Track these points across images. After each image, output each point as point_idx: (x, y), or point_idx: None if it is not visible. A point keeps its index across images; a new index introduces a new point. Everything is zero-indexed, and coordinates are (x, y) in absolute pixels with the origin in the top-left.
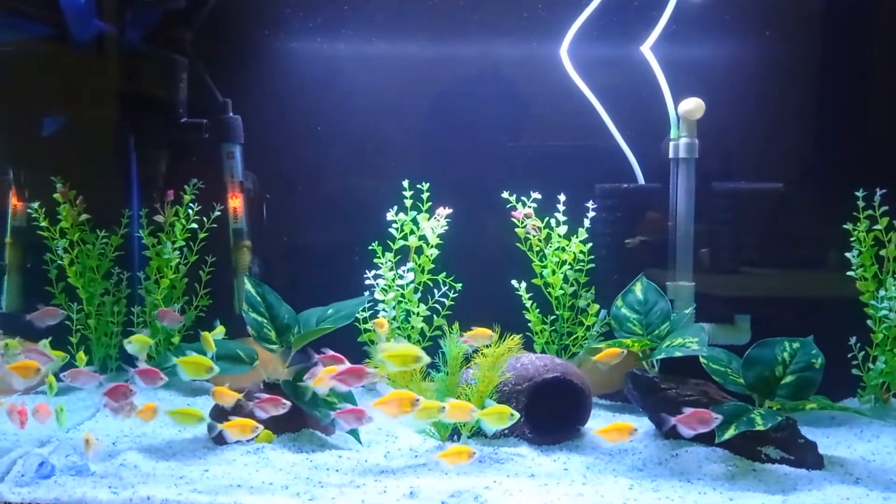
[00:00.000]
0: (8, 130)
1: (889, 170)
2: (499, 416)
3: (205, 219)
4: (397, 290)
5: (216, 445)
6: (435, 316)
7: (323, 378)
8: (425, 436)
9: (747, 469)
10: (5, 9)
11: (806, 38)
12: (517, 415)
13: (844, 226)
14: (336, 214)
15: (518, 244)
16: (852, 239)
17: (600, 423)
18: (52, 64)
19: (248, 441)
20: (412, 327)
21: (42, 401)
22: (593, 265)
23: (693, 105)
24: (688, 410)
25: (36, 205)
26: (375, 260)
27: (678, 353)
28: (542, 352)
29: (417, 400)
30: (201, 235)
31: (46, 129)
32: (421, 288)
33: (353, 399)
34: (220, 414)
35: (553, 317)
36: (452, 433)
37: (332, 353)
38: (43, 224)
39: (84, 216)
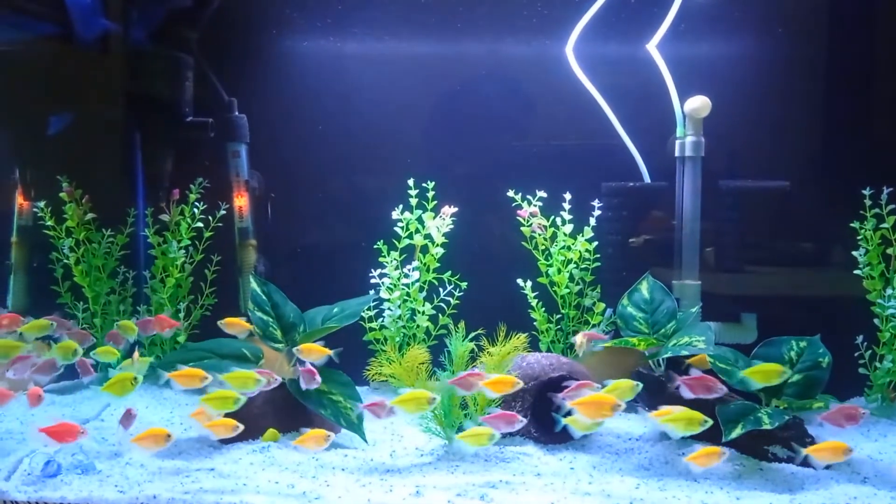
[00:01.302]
0: (14, 130)
1: None
2: (688, 423)
3: (210, 218)
4: (402, 289)
5: (222, 444)
6: (440, 315)
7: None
8: (431, 435)
9: (754, 468)
10: (11, 8)
11: (812, 36)
12: (710, 421)
13: (851, 224)
14: (341, 213)
15: (524, 243)
16: (859, 237)
17: (606, 421)
18: (58, 63)
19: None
20: (417, 326)
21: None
22: (599, 264)
23: (699, 103)
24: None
25: (42, 204)
26: (381, 259)
27: (684, 352)
28: (548, 350)
29: None
30: (207, 234)
31: (52, 128)
32: (426, 287)
33: (357, 397)
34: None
35: (559, 315)
36: (458, 432)
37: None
38: (49, 223)
39: (90, 215)
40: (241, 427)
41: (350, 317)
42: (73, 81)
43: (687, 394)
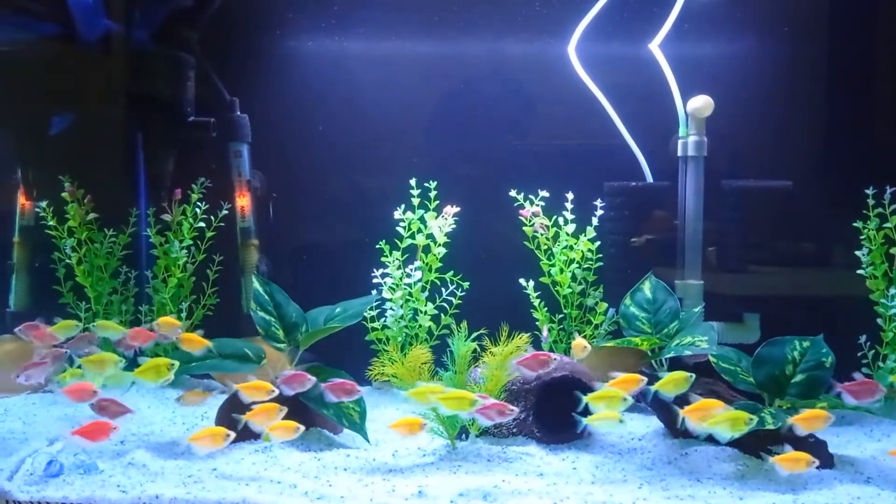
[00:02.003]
0: (16, 130)
1: None
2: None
3: (212, 217)
4: (405, 289)
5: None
6: (443, 315)
7: None
8: (433, 435)
9: (757, 468)
10: (13, 8)
11: (815, 35)
12: (755, 419)
13: (854, 224)
14: (343, 213)
15: (526, 243)
16: (862, 237)
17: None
18: (60, 63)
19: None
20: (419, 326)
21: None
22: (601, 263)
23: (702, 103)
24: None
25: (44, 204)
26: (383, 259)
27: (688, 352)
28: (550, 350)
29: None
30: (209, 234)
31: (54, 128)
32: (428, 287)
33: (361, 401)
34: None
35: (561, 315)
36: (460, 432)
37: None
38: (51, 223)
39: (92, 215)
40: (303, 428)
41: (352, 317)
42: (74, 81)
43: (850, 400)
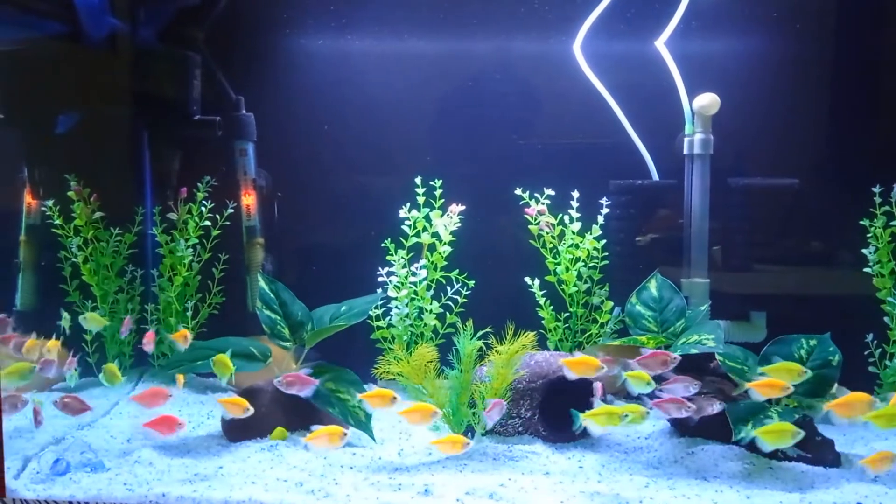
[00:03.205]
0: (22, 129)
1: None
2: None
3: (218, 216)
4: (410, 288)
5: (230, 443)
6: (448, 313)
7: None
8: (439, 433)
9: (764, 467)
10: (20, 7)
11: (822, 32)
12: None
13: (861, 222)
14: (349, 211)
15: (531, 241)
16: (869, 235)
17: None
18: (66, 62)
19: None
20: (425, 325)
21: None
22: (607, 262)
23: (708, 100)
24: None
25: (50, 203)
26: (388, 257)
27: (694, 351)
28: (556, 349)
29: None
30: (214, 233)
31: (60, 127)
32: (434, 285)
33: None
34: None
35: (567, 314)
36: (466, 431)
37: None
38: (57, 222)
39: (98, 214)
40: (471, 443)
41: (357, 315)
42: (80, 80)
43: None
